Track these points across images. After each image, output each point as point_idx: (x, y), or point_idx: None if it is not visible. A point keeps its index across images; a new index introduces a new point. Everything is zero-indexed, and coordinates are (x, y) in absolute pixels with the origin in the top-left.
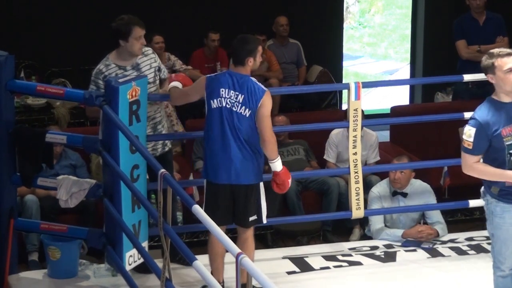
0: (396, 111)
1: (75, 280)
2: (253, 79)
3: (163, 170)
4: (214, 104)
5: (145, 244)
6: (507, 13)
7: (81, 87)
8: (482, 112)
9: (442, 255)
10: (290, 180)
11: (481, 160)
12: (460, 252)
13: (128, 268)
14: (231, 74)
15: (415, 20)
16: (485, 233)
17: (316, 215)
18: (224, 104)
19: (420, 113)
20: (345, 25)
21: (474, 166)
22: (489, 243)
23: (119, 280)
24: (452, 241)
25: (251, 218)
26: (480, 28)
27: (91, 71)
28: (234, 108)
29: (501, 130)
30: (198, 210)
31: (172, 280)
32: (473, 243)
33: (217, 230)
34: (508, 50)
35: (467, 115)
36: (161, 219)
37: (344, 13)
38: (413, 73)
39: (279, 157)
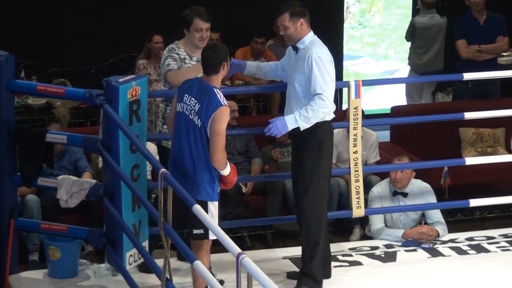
0: (396, 111)
1: (75, 280)
2: (217, 91)
3: (163, 169)
4: (178, 107)
5: (145, 244)
6: (507, 13)
7: (81, 87)
8: None
9: (443, 255)
10: (236, 178)
11: None
12: (460, 252)
13: (128, 268)
14: (200, 81)
15: None
16: (485, 233)
17: None
18: (184, 110)
19: (420, 113)
20: (345, 25)
21: None
22: (489, 243)
23: (120, 280)
24: (452, 241)
25: (195, 231)
26: (480, 27)
27: (91, 71)
28: (190, 116)
29: None
30: (199, 210)
31: (172, 280)
32: (473, 243)
33: (219, 231)
34: None
35: (467, 115)
36: (161, 218)
37: (345, 13)
38: None
39: (227, 166)
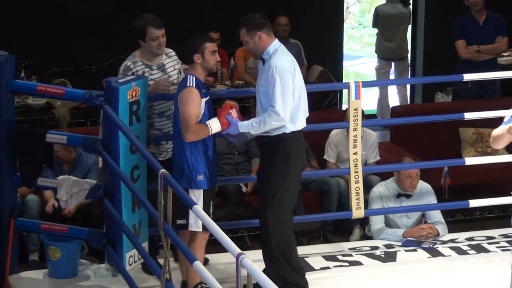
0: (396, 111)
1: (75, 280)
2: (190, 76)
3: (163, 170)
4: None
5: (145, 245)
6: (507, 13)
7: (81, 87)
8: None
9: (443, 255)
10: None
11: None
12: (460, 252)
13: (128, 268)
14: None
15: (415, 20)
16: (485, 233)
17: (316, 215)
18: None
19: (420, 113)
20: (345, 25)
21: (495, 131)
22: (489, 243)
23: (120, 280)
24: (452, 241)
25: (178, 221)
26: (479, 28)
27: (91, 71)
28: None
29: None
30: (199, 210)
31: (172, 281)
32: (473, 243)
33: (218, 231)
34: None
35: (467, 115)
36: (161, 219)
37: (345, 13)
38: (413, 73)
39: (209, 128)
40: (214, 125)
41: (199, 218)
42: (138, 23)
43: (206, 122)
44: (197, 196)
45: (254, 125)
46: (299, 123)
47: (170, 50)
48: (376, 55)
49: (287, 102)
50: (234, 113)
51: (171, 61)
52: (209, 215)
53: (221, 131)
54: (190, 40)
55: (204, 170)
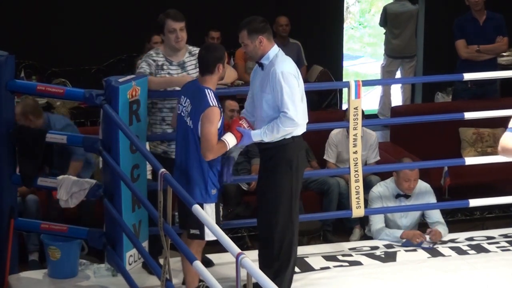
0: (396, 111)
1: (75, 280)
2: (209, 92)
3: (163, 169)
4: (178, 110)
5: (145, 244)
6: (507, 13)
7: (81, 87)
8: None
9: (443, 255)
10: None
11: None
12: (460, 252)
13: (128, 268)
14: (195, 83)
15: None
16: (485, 233)
17: (316, 215)
18: (180, 111)
19: (420, 113)
20: (345, 25)
21: (504, 138)
22: (489, 243)
23: (120, 280)
24: (452, 241)
25: (192, 231)
26: (480, 27)
27: (91, 71)
28: (185, 118)
29: None
30: (199, 210)
31: (172, 280)
32: (473, 243)
33: (219, 231)
34: None
35: (467, 115)
36: (161, 219)
37: (345, 13)
38: (414, 75)
39: (227, 144)
40: (230, 140)
41: (199, 217)
42: (159, 17)
43: (223, 139)
44: (212, 208)
45: (266, 132)
46: (300, 128)
47: (196, 49)
48: (383, 54)
49: (297, 106)
50: (244, 123)
51: (194, 59)
52: (219, 223)
53: (236, 144)
54: (214, 48)
55: (217, 185)
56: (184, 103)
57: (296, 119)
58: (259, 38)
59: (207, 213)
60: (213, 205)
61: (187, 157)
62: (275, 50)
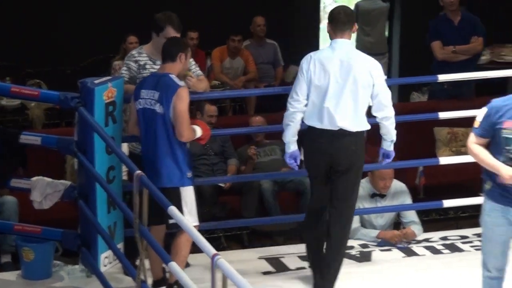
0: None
1: (49, 282)
2: (172, 75)
3: (139, 171)
4: (137, 106)
5: (120, 246)
6: (482, 13)
7: (56, 88)
8: (500, 99)
9: (417, 255)
10: (208, 129)
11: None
12: (434, 251)
13: (103, 269)
14: (154, 74)
15: (391, 20)
16: (459, 232)
17: (292, 216)
18: (143, 105)
19: (396, 113)
20: (322, 25)
21: (471, 146)
22: (463, 242)
23: (94, 282)
24: (426, 240)
25: (170, 221)
26: (455, 28)
27: (67, 71)
28: (152, 107)
29: (504, 121)
30: (174, 211)
31: (147, 281)
32: (447, 242)
33: (193, 230)
34: None
35: (442, 115)
36: (136, 220)
37: (322, 13)
38: (389, 73)
39: (196, 131)
40: (198, 129)
41: (175, 218)
42: (160, 17)
43: (192, 126)
44: (190, 192)
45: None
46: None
47: None
48: None
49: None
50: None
51: None
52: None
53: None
54: (178, 39)
55: (191, 167)
56: (147, 94)
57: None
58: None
59: (185, 197)
60: (189, 188)
61: (157, 146)
62: None
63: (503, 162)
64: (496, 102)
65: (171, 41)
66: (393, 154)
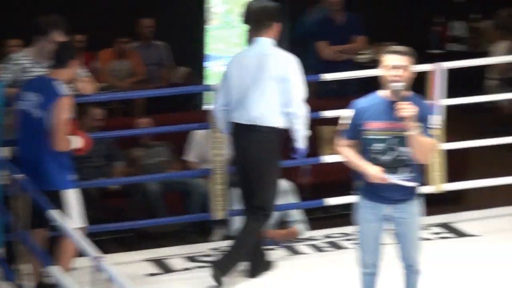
0: None
1: None
2: (58, 82)
3: (19, 175)
4: (18, 106)
5: (0, 251)
6: (366, 12)
7: None
8: (361, 100)
9: (301, 253)
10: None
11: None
12: (318, 249)
13: None
14: (40, 78)
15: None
16: (342, 230)
17: (176, 218)
18: (24, 107)
19: None
20: (211, 26)
21: (340, 149)
22: (345, 240)
23: None
24: (310, 238)
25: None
26: (337, 28)
27: None
28: (32, 110)
29: (367, 123)
30: (54, 214)
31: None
32: (330, 240)
33: (74, 233)
34: (396, 48)
35: (326, 113)
36: (16, 225)
37: (210, 14)
38: None
39: (74, 143)
40: (75, 140)
41: (56, 222)
42: (44, 21)
43: (71, 137)
44: (72, 194)
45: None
46: None
47: None
48: None
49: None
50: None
51: None
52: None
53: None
54: (70, 45)
55: (74, 170)
56: (29, 97)
57: None
58: None
59: (71, 197)
60: (71, 191)
61: (38, 149)
62: None
63: (370, 161)
64: (358, 103)
65: (63, 47)
66: (303, 151)
